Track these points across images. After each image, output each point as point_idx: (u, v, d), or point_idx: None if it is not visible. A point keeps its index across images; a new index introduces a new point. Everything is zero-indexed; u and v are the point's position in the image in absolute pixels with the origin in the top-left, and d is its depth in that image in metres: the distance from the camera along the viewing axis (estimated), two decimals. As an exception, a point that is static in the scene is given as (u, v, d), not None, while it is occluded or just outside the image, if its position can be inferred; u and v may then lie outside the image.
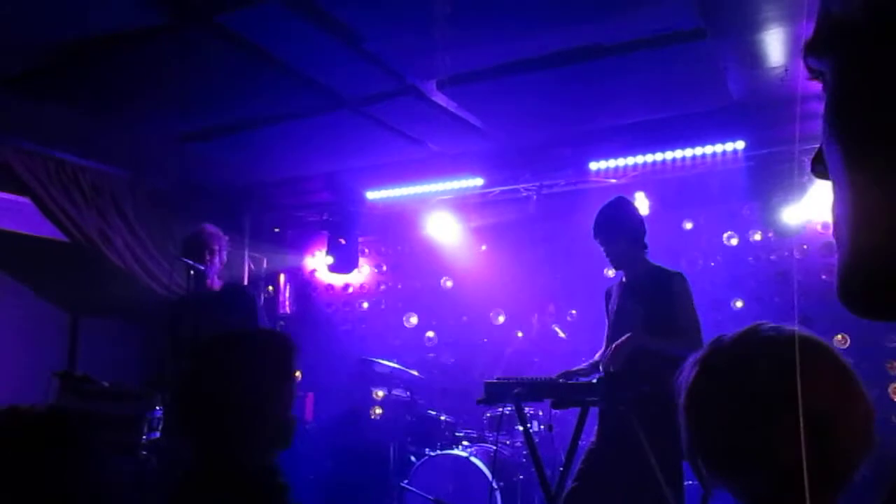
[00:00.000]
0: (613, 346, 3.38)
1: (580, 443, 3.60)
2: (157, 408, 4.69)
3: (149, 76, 4.37)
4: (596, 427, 3.67)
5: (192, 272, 4.51)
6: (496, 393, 3.52)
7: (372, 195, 6.80)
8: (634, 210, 3.68)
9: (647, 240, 3.59)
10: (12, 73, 4.32)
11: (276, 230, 7.52)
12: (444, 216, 6.76)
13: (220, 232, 4.73)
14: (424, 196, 6.70)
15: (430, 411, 6.02)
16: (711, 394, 1.21)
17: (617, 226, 3.56)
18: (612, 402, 3.31)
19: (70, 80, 4.48)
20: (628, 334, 3.34)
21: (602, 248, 3.59)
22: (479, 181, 6.50)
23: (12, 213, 5.84)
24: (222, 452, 1.62)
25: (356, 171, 6.45)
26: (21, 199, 5.70)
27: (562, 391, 3.35)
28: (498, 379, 3.59)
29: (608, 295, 3.79)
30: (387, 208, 6.94)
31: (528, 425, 4.17)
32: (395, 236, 7.55)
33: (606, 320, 3.76)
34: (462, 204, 6.71)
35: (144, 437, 4.78)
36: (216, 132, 5.37)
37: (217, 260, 4.65)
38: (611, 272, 6.28)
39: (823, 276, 6.03)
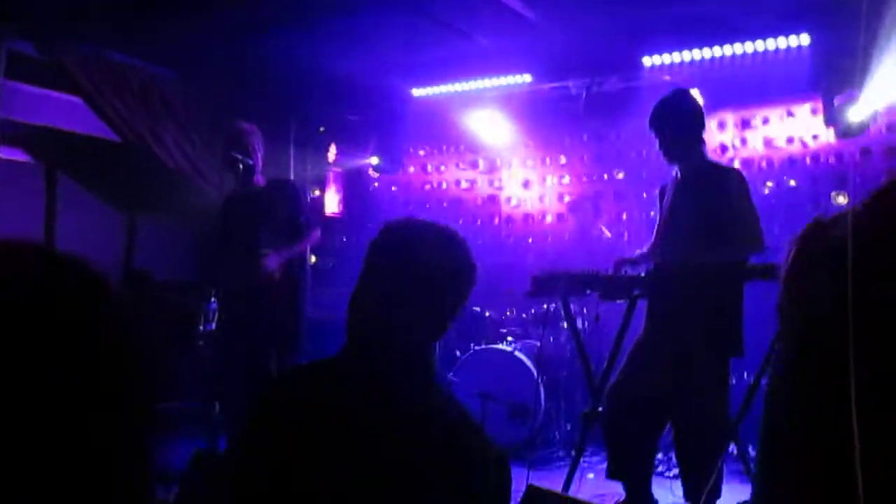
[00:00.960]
0: (668, 259, 3.30)
1: (627, 339, 3.61)
2: (213, 300, 4.85)
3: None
4: (644, 321, 3.66)
5: (241, 167, 4.55)
6: (543, 286, 3.54)
7: (418, 92, 6.71)
8: (694, 102, 3.55)
9: (705, 135, 3.48)
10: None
11: (322, 130, 7.50)
12: (490, 114, 6.64)
13: (252, 125, 4.73)
14: (471, 93, 6.58)
15: (474, 307, 6.11)
16: (809, 271, 1.18)
17: (673, 115, 3.45)
18: (661, 296, 3.30)
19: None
20: (684, 250, 3.24)
21: (656, 139, 3.49)
22: (527, 78, 6.34)
23: (66, 112, 5.92)
24: (393, 332, 1.52)
25: (403, 68, 6.33)
26: (74, 98, 5.77)
27: (609, 283, 3.35)
28: (543, 272, 3.60)
29: (662, 192, 3.71)
30: (433, 106, 6.84)
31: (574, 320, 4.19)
32: (441, 135, 7.47)
33: (658, 216, 3.70)
34: (509, 101, 6.58)
35: (201, 328, 4.98)
36: (266, 23, 5.29)
37: (259, 156, 4.68)
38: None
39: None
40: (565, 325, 4.68)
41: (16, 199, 6.00)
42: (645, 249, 3.65)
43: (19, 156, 6.16)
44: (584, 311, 5.29)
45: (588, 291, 3.51)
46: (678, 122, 3.44)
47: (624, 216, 6.81)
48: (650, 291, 3.28)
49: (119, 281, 5.03)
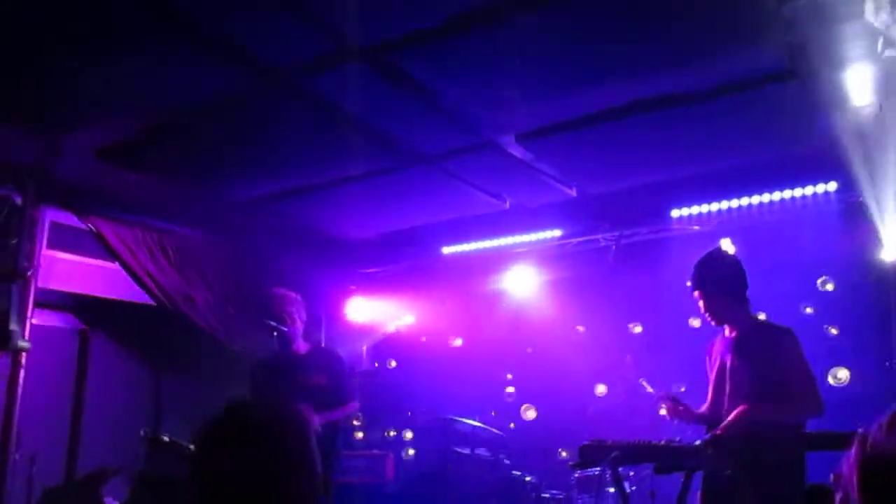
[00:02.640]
0: (724, 423, 3.16)
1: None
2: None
3: (233, 142, 4.48)
4: (699, 492, 3.43)
5: (275, 333, 4.51)
6: (592, 457, 3.35)
7: (448, 250, 6.76)
8: (733, 262, 3.47)
9: (748, 294, 3.38)
10: (107, 144, 4.49)
11: (353, 288, 7.54)
12: (521, 269, 6.65)
13: (291, 293, 4.71)
14: (501, 249, 6.62)
15: (514, 472, 5.82)
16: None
17: (717, 279, 3.36)
18: (719, 467, 3.10)
19: (157, 149, 4.64)
20: (741, 408, 3.12)
21: (700, 303, 3.39)
22: (556, 233, 6.39)
23: (103, 280, 6.02)
24: None
25: (433, 228, 6.43)
26: (109, 265, 5.88)
27: (664, 455, 3.16)
28: (593, 441, 3.41)
29: (710, 349, 3.58)
30: (464, 262, 6.87)
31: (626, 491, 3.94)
32: (473, 291, 7.44)
33: (708, 376, 3.54)
34: (539, 256, 6.59)
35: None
36: (297, 193, 5.45)
37: (298, 322, 4.63)
38: (695, 322, 6.06)
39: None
40: (613, 489, 4.42)
41: (51, 363, 6.04)
42: (703, 409, 3.47)
43: (57, 321, 6.24)
44: (631, 473, 5.01)
45: (641, 462, 3.31)
46: (721, 286, 3.35)
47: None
48: (706, 462, 3.09)
49: (146, 449, 4.91)
